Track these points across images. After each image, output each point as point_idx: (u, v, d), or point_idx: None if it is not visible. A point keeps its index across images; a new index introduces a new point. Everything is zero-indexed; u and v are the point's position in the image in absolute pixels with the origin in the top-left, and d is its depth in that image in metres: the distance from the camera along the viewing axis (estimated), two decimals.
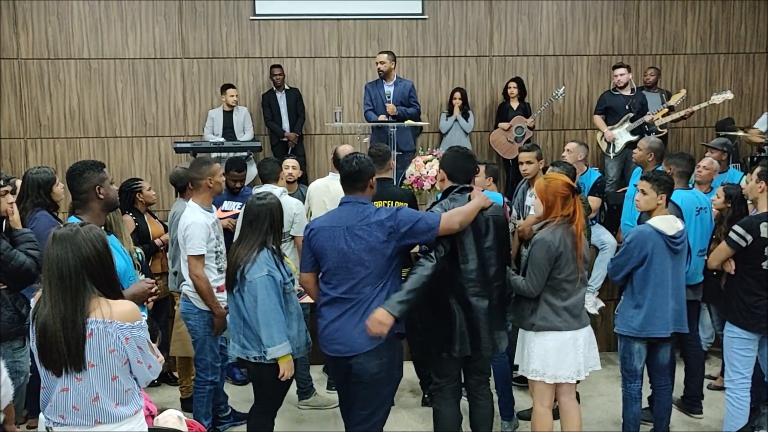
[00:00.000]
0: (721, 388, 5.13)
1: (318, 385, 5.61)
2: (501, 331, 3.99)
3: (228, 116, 8.35)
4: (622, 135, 7.75)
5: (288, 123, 8.51)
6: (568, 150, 6.14)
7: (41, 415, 2.82)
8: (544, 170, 5.58)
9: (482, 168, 5.11)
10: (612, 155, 7.81)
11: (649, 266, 4.28)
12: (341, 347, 3.69)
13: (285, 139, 8.42)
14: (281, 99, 8.52)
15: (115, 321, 2.65)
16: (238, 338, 3.92)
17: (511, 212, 4.75)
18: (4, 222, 3.93)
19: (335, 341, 3.71)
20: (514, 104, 8.53)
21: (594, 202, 6.02)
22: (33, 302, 2.79)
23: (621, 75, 7.83)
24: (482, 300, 3.84)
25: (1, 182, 3.88)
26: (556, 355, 3.96)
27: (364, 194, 3.76)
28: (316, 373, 5.81)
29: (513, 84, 8.53)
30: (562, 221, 3.94)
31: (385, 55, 7.36)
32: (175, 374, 5.65)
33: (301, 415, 5.33)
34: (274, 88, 8.54)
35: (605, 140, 7.89)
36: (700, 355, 5.28)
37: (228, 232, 5.30)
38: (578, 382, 4.10)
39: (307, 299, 4.33)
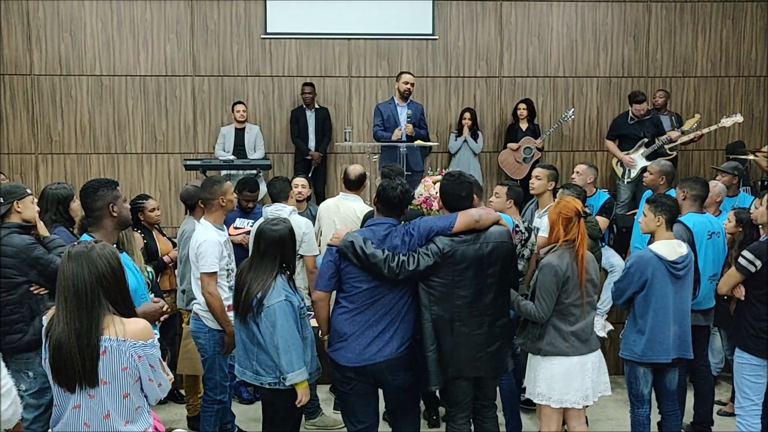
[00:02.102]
0: (731, 414, 5.07)
1: (324, 405, 5.58)
2: (500, 353, 3.92)
3: (240, 134, 8.39)
4: (637, 160, 7.73)
5: (314, 141, 8.54)
6: (577, 172, 6.14)
7: (50, 431, 2.81)
8: (554, 192, 5.57)
9: (503, 189, 5.12)
10: (626, 181, 7.79)
11: (649, 291, 4.25)
12: (375, 354, 3.75)
13: (309, 158, 8.45)
14: (310, 117, 8.56)
15: (128, 339, 2.66)
16: (250, 365, 3.86)
17: (528, 237, 4.72)
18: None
19: (367, 350, 3.75)
20: (524, 125, 8.53)
21: (602, 222, 5.99)
22: (45, 320, 2.79)
23: (644, 110, 7.79)
24: (467, 326, 3.78)
25: (29, 191, 4.00)
26: (562, 379, 3.94)
27: (397, 219, 3.89)
28: (323, 393, 5.78)
29: (522, 105, 8.54)
30: (567, 246, 3.93)
31: (412, 76, 7.44)
32: (182, 392, 5.63)
33: None
34: (304, 106, 8.58)
35: (620, 165, 7.86)
36: (710, 380, 5.23)
37: (239, 249, 5.31)
38: (587, 406, 4.07)
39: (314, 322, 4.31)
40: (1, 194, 3.93)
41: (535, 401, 4.07)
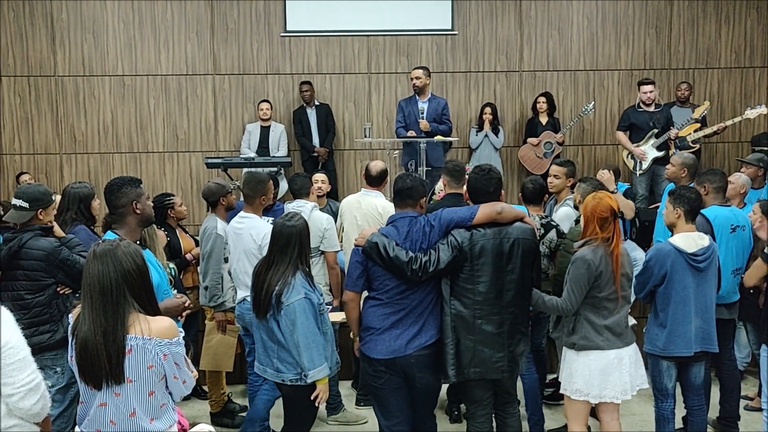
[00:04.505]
0: (759, 409, 5.02)
1: (347, 401, 5.60)
2: (519, 354, 3.89)
3: (265, 132, 8.46)
4: (648, 152, 7.68)
5: (318, 138, 8.56)
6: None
7: (77, 428, 2.85)
8: (572, 187, 5.54)
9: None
10: (638, 173, 7.74)
11: (669, 284, 4.20)
12: (404, 347, 3.75)
13: (315, 155, 8.47)
14: (311, 115, 8.59)
15: (154, 337, 2.68)
16: (271, 363, 3.88)
17: (545, 234, 4.69)
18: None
19: (396, 342, 3.75)
20: (543, 119, 8.49)
21: (628, 204, 5.82)
22: (71, 318, 2.83)
23: (650, 92, 7.74)
24: (488, 324, 3.75)
25: (54, 198, 4.13)
26: (600, 375, 3.91)
27: (414, 210, 3.87)
28: (345, 389, 5.80)
29: (542, 99, 8.49)
30: (602, 242, 3.90)
31: (421, 71, 7.35)
32: (205, 388, 5.67)
33: (330, 431, 5.32)
34: (305, 104, 8.61)
35: (631, 158, 7.81)
36: (736, 374, 5.15)
37: None
38: None
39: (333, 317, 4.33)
40: (28, 199, 4.01)
41: (572, 397, 4.01)
